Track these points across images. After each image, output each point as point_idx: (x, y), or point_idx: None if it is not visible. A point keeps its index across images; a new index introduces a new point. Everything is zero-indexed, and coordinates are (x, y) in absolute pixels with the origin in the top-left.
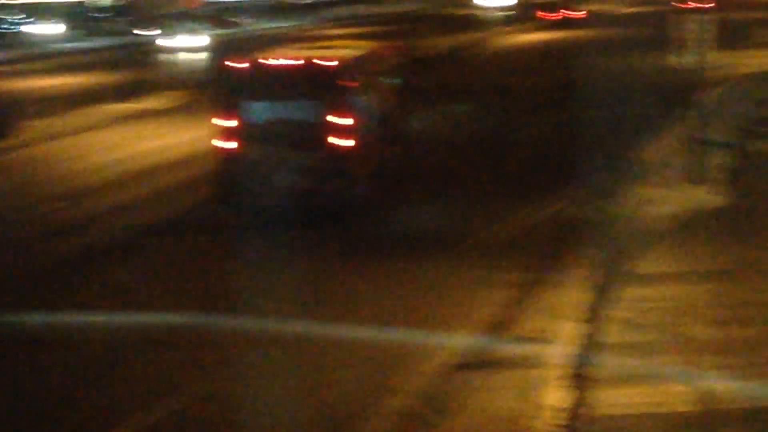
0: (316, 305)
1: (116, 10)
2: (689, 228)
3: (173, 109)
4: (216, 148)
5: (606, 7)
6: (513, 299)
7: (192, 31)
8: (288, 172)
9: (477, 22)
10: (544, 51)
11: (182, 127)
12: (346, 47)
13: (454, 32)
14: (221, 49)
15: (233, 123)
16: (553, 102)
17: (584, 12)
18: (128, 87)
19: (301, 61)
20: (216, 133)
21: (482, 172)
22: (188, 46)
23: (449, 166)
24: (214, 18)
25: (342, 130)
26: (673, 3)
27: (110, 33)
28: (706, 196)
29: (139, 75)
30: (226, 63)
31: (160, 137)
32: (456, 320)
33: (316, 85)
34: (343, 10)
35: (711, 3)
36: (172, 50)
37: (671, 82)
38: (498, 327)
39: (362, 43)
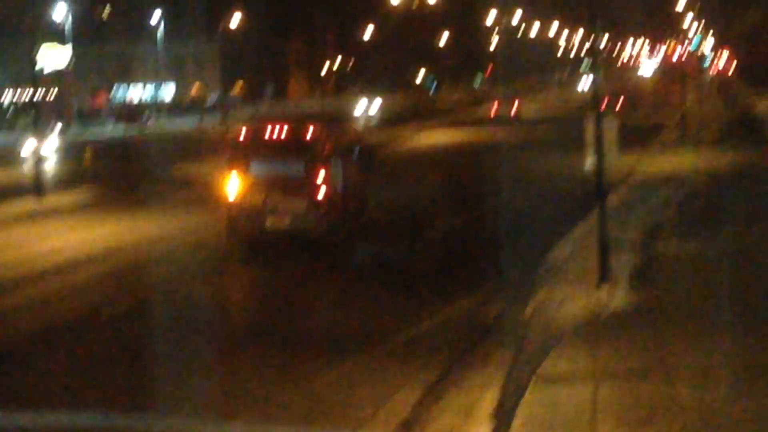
0: (232, 402)
1: (23, 107)
2: (597, 328)
3: (80, 205)
4: (226, 196)
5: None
6: (423, 398)
7: (99, 128)
8: (279, 215)
9: (386, 120)
10: (457, 152)
11: (87, 224)
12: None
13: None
14: (128, 146)
15: (238, 178)
16: (464, 201)
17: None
18: (34, 184)
19: (287, 131)
20: (226, 186)
21: (394, 269)
22: (95, 142)
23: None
24: (122, 115)
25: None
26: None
27: (16, 129)
28: (613, 297)
29: (44, 171)
30: (234, 133)
31: (65, 235)
32: (366, 419)
33: (304, 148)
34: (247, 110)
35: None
36: (78, 147)
37: (579, 183)
38: (407, 426)
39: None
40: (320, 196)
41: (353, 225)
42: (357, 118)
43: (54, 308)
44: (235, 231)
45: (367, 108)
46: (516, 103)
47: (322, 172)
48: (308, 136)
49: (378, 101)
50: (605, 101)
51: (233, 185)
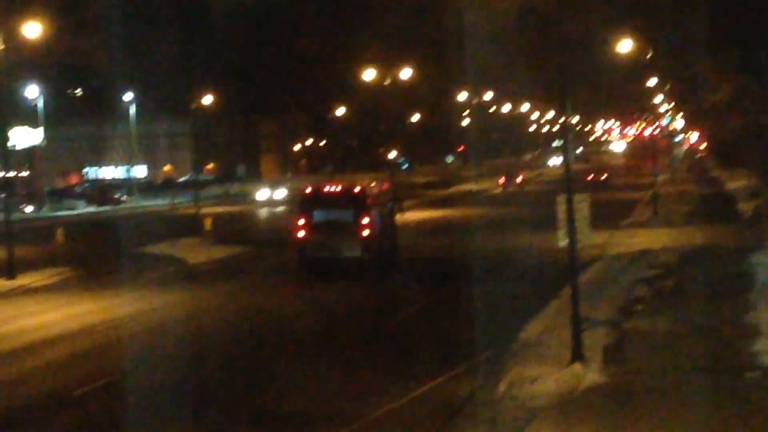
0: None
1: None
2: (570, 406)
3: (51, 286)
4: (296, 236)
5: (484, 186)
6: None
7: (72, 208)
8: (332, 245)
9: None
10: (431, 229)
11: (58, 305)
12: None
13: None
14: (100, 226)
15: (305, 220)
16: (437, 279)
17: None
18: (6, 263)
19: (340, 188)
20: (295, 228)
21: (369, 343)
22: (70, 222)
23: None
24: (95, 195)
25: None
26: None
27: None
28: (584, 374)
29: (18, 251)
30: (303, 190)
31: (35, 316)
32: None
33: (351, 200)
34: (215, 189)
35: (603, 175)
36: (54, 227)
37: (551, 261)
38: None
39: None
40: (366, 233)
41: (389, 258)
42: (260, 201)
43: (23, 388)
44: (301, 261)
45: (271, 193)
46: (521, 176)
47: (366, 217)
48: (355, 192)
49: (283, 190)
50: (590, 176)
51: (301, 227)
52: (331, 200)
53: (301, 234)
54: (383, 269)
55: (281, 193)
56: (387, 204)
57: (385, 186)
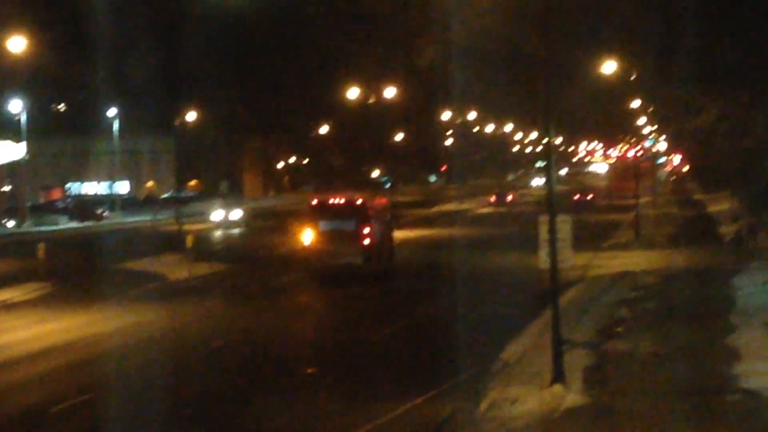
0: None
1: None
2: (549, 426)
3: (32, 301)
4: (304, 244)
5: (465, 206)
6: None
7: (54, 224)
8: (337, 253)
9: None
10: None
11: (40, 319)
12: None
13: None
14: (83, 241)
15: (313, 230)
16: (418, 298)
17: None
18: None
19: (343, 201)
20: (302, 236)
21: (351, 360)
22: (52, 237)
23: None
24: (77, 210)
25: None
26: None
27: None
28: (565, 395)
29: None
30: (310, 201)
31: (17, 331)
32: None
33: (353, 212)
34: (197, 206)
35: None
36: (35, 242)
37: (533, 282)
38: None
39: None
40: (367, 242)
41: (387, 264)
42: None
43: (2, 403)
44: (308, 267)
45: (226, 214)
46: (511, 195)
47: (367, 227)
48: (357, 204)
49: (239, 210)
50: (577, 196)
51: (308, 236)
52: (335, 211)
53: (307, 242)
54: (380, 276)
55: (237, 213)
56: (385, 217)
57: (384, 201)
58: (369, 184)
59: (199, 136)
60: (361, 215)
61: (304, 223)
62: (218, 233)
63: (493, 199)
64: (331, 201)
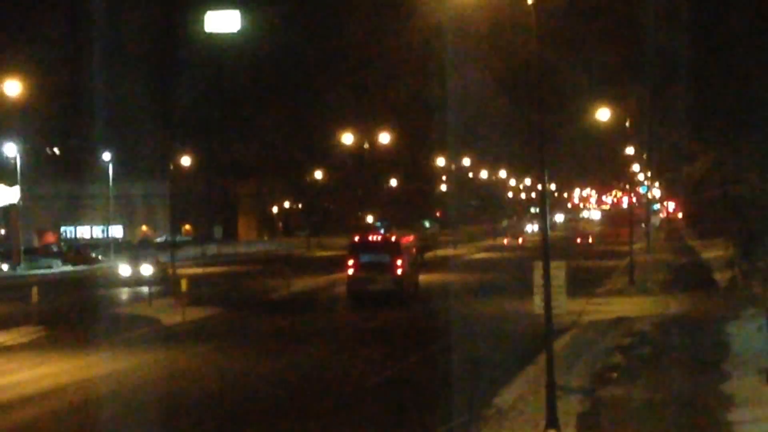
0: None
1: None
2: None
3: (25, 345)
4: (346, 273)
5: (458, 252)
6: None
7: (48, 267)
8: (374, 281)
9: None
10: None
11: (34, 363)
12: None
13: (311, 272)
14: (78, 285)
15: (354, 262)
16: (413, 343)
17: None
18: None
19: (380, 238)
20: (346, 267)
21: (345, 405)
22: (46, 280)
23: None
24: (71, 254)
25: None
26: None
27: None
28: None
29: None
30: (354, 238)
31: (10, 374)
32: None
33: (388, 247)
34: (193, 250)
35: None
36: (29, 285)
37: (528, 327)
38: None
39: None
40: (399, 272)
41: (413, 291)
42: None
43: None
44: (350, 292)
45: (135, 269)
46: (521, 237)
47: (399, 260)
48: (391, 241)
49: (148, 266)
50: (579, 239)
51: (351, 266)
52: (374, 246)
53: (350, 271)
54: (409, 300)
55: (147, 269)
56: (412, 252)
57: (411, 238)
58: (363, 229)
59: (193, 181)
60: (394, 249)
61: (348, 255)
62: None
63: (506, 241)
64: (370, 238)
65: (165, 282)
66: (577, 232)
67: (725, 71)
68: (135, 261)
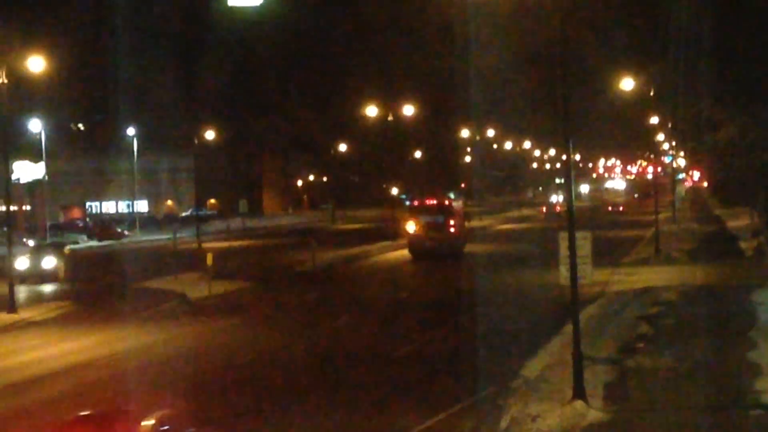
0: None
1: None
2: None
3: (52, 320)
4: (407, 230)
5: (483, 223)
6: None
7: (74, 243)
8: (431, 239)
9: (361, 235)
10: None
11: (61, 338)
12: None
13: (336, 245)
14: (103, 260)
15: (414, 222)
16: (439, 315)
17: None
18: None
19: (435, 202)
20: (407, 226)
21: (371, 375)
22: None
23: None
24: (96, 229)
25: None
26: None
27: None
28: (586, 411)
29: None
30: (413, 201)
31: (37, 350)
32: None
33: (443, 210)
34: (218, 224)
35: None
36: (54, 261)
37: (553, 298)
38: None
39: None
40: (452, 231)
41: (462, 249)
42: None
43: (24, 422)
44: (411, 248)
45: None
46: (558, 206)
47: (452, 221)
48: (445, 204)
49: (51, 258)
50: (610, 206)
51: (410, 226)
52: (431, 209)
53: (410, 231)
54: (459, 256)
55: (50, 261)
56: (462, 214)
57: (461, 203)
58: (388, 202)
59: (218, 155)
60: (448, 212)
61: (408, 216)
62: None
63: (543, 209)
64: (427, 202)
65: (72, 280)
66: (607, 201)
67: (749, 40)
68: (36, 253)
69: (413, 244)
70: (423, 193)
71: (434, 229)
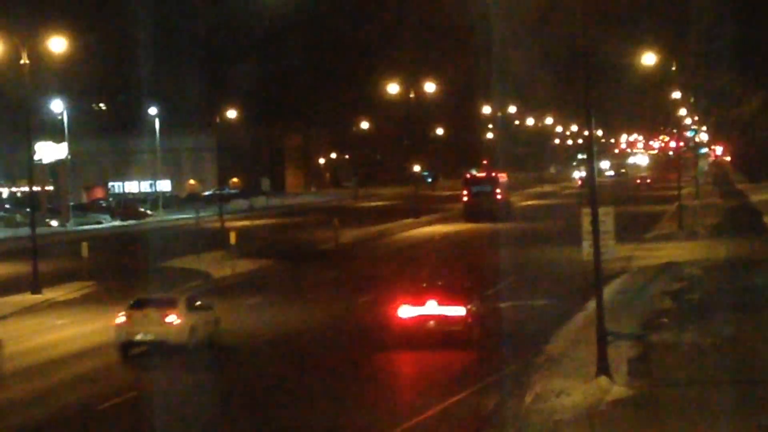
0: None
1: (17, 202)
2: (594, 418)
3: (76, 300)
4: (463, 198)
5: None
6: None
7: (97, 222)
8: (482, 204)
9: (384, 212)
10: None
11: (84, 318)
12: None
13: (359, 223)
14: (126, 240)
15: (467, 191)
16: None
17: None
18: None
19: (485, 174)
20: (463, 193)
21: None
22: (95, 236)
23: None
24: (119, 209)
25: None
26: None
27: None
28: (610, 387)
29: (43, 266)
30: (466, 174)
31: (62, 329)
32: None
33: (490, 180)
34: (241, 203)
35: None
36: (78, 241)
37: (578, 273)
38: None
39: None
40: (499, 197)
41: (509, 209)
42: None
43: (48, 401)
44: (466, 213)
45: None
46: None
47: (498, 189)
48: (492, 176)
49: None
50: (638, 180)
51: (466, 194)
52: (481, 180)
53: (465, 198)
54: (505, 216)
55: None
56: (507, 184)
57: (505, 173)
58: (410, 179)
59: (240, 134)
60: (495, 182)
61: (463, 186)
62: None
63: (579, 183)
64: (477, 174)
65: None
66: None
67: None
68: None
69: (467, 209)
70: (476, 168)
71: (483, 197)
